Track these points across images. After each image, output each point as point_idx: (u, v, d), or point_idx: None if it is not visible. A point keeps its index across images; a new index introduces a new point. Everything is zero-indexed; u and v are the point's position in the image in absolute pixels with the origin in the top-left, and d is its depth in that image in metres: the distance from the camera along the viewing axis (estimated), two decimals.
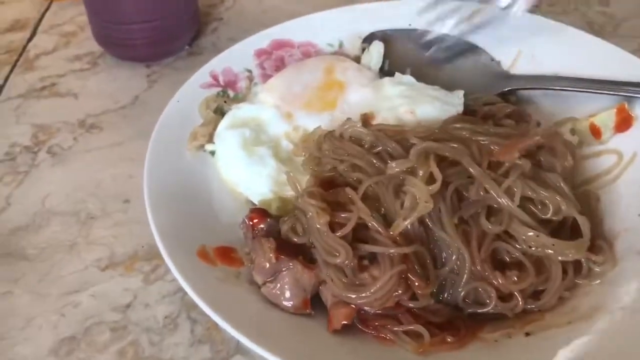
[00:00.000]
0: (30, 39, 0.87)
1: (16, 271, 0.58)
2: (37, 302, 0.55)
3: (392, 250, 0.46)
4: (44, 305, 0.55)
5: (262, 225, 0.51)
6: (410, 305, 0.47)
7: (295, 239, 0.49)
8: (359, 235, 0.48)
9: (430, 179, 0.48)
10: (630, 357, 0.43)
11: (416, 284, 0.46)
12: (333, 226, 0.48)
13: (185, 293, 0.54)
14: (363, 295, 0.45)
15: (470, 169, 0.50)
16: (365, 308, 0.46)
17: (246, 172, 0.58)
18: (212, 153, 0.60)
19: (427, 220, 0.49)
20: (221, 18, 0.89)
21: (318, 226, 0.47)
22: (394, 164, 0.49)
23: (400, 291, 0.45)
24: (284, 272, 0.47)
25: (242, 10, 0.90)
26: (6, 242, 0.60)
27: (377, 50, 0.69)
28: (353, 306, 0.46)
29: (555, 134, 0.57)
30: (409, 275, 0.46)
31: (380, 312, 0.46)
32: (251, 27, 0.83)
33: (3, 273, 0.58)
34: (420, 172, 0.48)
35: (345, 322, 0.46)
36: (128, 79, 0.79)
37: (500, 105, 0.62)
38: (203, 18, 0.88)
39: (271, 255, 0.47)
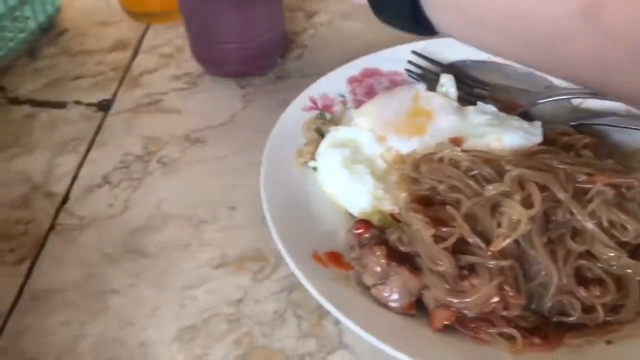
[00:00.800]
0: (133, 59, 0.96)
1: (138, 266, 0.65)
2: (160, 294, 0.63)
3: (492, 263, 0.52)
4: (166, 297, 0.62)
5: (367, 235, 0.58)
6: (503, 313, 0.53)
7: (402, 248, 0.56)
8: (458, 248, 0.55)
9: (525, 203, 0.55)
10: None
11: (510, 294, 0.52)
12: (435, 239, 0.54)
13: (291, 291, 0.62)
14: (465, 300, 0.52)
15: (560, 195, 0.56)
16: (465, 312, 0.52)
17: (347, 187, 0.64)
18: (315, 169, 0.67)
19: (520, 238, 0.55)
20: (305, 45, 0.97)
21: (424, 238, 0.54)
22: (490, 187, 0.56)
23: (497, 299, 0.51)
24: (394, 277, 0.53)
25: (324, 39, 0.98)
26: (128, 240, 0.68)
27: (447, 82, 0.75)
28: (453, 310, 0.52)
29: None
30: (504, 286, 0.52)
31: (476, 315, 0.52)
32: (333, 54, 0.91)
33: (127, 267, 0.65)
34: (517, 196, 0.54)
35: (446, 322, 0.52)
36: (224, 99, 0.87)
37: (577, 136, 0.68)
38: (289, 44, 0.95)
39: (383, 260, 0.54)
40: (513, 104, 0.74)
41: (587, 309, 0.54)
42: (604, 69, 0.39)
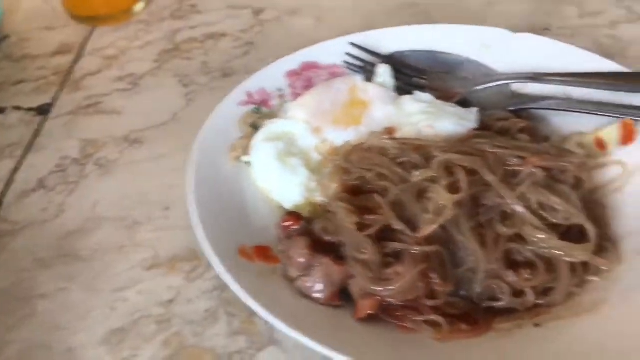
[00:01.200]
0: (75, 62, 0.94)
1: (72, 270, 0.64)
2: (91, 297, 0.61)
3: (416, 249, 0.51)
4: (98, 300, 0.61)
5: (296, 227, 0.57)
6: (429, 302, 0.52)
7: (327, 238, 0.55)
8: (385, 236, 0.54)
9: (453, 188, 0.54)
10: (629, 345, 0.47)
11: (436, 282, 0.51)
12: (361, 227, 0.53)
13: (223, 290, 0.60)
14: (388, 288, 0.51)
15: (487, 178, 0.55)
16: (389, 300, 0.51)
17: (280, 180, 0.63)
18: (248, 164, 0.66)
19: (447, 224, 0.54)
20: (252, 42, 0.96)
21: (348, 225, 0.53)
22: (417, 173, 0.55)
23: (422, 285, 0.50)
24: (317, 267, 0.52)
25: (270, 35, 0.97)
26: (62, 244, 0.66)
27: (384, 73, 0.74)
28: (378, 298, 0.51)
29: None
30: (429, 273, 0.51)
31: (402, 303, 0.51)
32: (279, 50, 0.90)
33: (60, 271, 0.64)
34: (444, 182, 0.53)
35: (370, 312, 0.51)
36: (167, 99, 0.85)
37: (514, 120, 0.68)
38: (235, 42, 0.94)
39: (305, 251, 0.52)
40: (451, 92, 0.73)
41: (517, 293, 0.53)
42: None
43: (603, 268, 0.55)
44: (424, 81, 0.75)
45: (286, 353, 0.55)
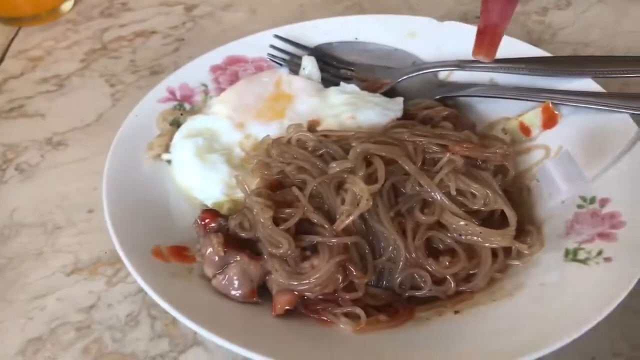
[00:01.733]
0: None
1: None
2: (5, 308, 0.59)
3: (333, 240, 0.50)
4: (12, 310, 0.58)
5: (213, 224, 0.55)
6: (347, 297, 0.51)
7: (243, 234, 0.53)
8: (303, 229, 0.53)
9: (371, 178, 0.53)
10: (546, 327, 0.47)
11: (354, 273, 0.50)
12: (278, 221, 0.52)
13: (146, 293, 0.58)
14: (304, 282, 0.50)
15: (406, 167, 0.55)
16: (307, 294, 0.50)
17: (200, 178, 0.62)
18: (169, 162, 0.64)
19: (366, 214, 0.53)
20: (182, 39, 0.94)
21: (262, 220, 0.51)
22: (334, 164, 0.54)
23: (339, 277, 0.50)
24: (232, 264, 0.51)
25: (202, 31, 0.95)
26: None
27: (309, 64, 0.73)
28: (295, 293, 0.50)
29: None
30: (347, 265, 0.50)
31: (321, 297, 0.50)
32: (211, 46, 0.88)
33: None
34: (361, 172, 0.53)
35: (287, 308, 0.50)
36: (93, 99, 0.83)
37: (438, 108, 0.67)
38: (165, 39, 0.92)
39: (219, 248, 0.51)
40: (379, 82, 0.73)
41: (439, 281, 0.53)
42: None
43: (524, 252, 0.55)
44: (351, 72, 0.75)
45: (209, 353, 0.54)
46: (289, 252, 0.50)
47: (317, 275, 0.49)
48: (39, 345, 0.56)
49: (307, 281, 0.49)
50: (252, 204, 0.53)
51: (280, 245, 0.51)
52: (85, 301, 0.59)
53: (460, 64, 0.72)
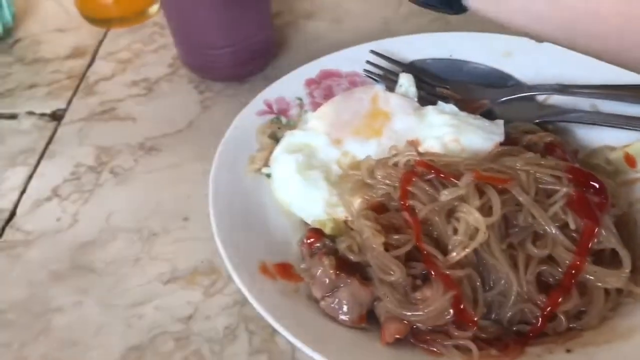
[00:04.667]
0: (89, 66, 0.93)
1: (85, 283, 0.62)
2: (105, 312, 0.60)
3: (448, 272, 0.49)
4: (113, 315, 0.59)
5: (318, 244, 0.55)
6: (456, 334, 0.50)
7: (352, 257, 0.53)
8: (413, 256, 0.52)
9: (484, 208, 0.52)
10: None
11: (467, 311, 0.49)
12: (387, 247, 0.52)
13: (243, 305, 0.59)
14: (417, 313, 0.49)
15: (519, 197, 0.53)
16: (417, 325, 0.49)
17: (301, 194, 0.62)
18: (268, 176, 0.65)
19: (477, 246, 0.52)
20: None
21: (374, 246, 0.51)
22: (446, 192, 0.53)
23: (451, 312, 0.49)
24: (342, 288, 0.51)
25: (287, 40, 0.95)
26: (75, 256, 0.65)
27: (406, 82, 0.72)
28: (405, 323, 0.49)
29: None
30: (460, 299, 0.49)
31: (431, 328, 0.50)
32: (296, 55, 0.88)
33: (73, 284, 0.62)
34: (475, 202, 0.52)
35: (397, 336, 0.49)
36: (183, 105, 0.84)
37: (541, 134, 0.65)
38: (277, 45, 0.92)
39: (331, 271, 0.51)
40: (476, 102, 0.72)
41: (550, 317, 0.51)
42: None
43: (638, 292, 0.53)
44: (447, 91, 0.73)
45: None
46: (400, 279, 0.50)
47: (430, 308, 0.49)
48: (138, 353, 0.56)
49: (420, 313, 0.49)
50: (362, 228, 0.52)
51: (392, 273, 0.50)
52: (183, 311, 0.59)
53: (562, 88, 0.71)
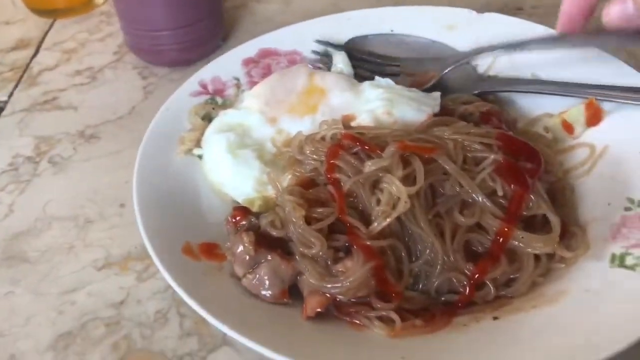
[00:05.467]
0: (33, 57, 0.91)
1: (17, 273, 0.61)
2: (37, 301, 0.59)
3: (368, 243, 0.48)
4: (44, 304, 0.58)
5: (244, 222, 0.54)
6: (379, 305, 0.49)
7: (274, 233, 0.52)
8: (336, 228, 0.51)
9: (407, 179, 0.51)
10: (587, 336, 0.45)
11: (390, 281, 0.48)
12: (310, 220, 0.51)
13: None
14: (337, 285, 0.48)
15: (446, 166, 0.52)
16: (339, 297, 0.49)
17: (231, 174, 0.61)
18: (200, 157, 0.63)
19: (402, 215, 0.51)
20: None
21: (294, 220, 0.50)
22: (370, 163, 0.52)
23: (374, 282, 0.48)
24: (263, 264, 0.50)
25: (236, 22, 0.94)
26: (9, 247, 0.64)
27: (340, 60, 0.72)
28: (327, 295, 0.48)
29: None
30: (383, 269, 0.48)
31: (354, 300, 0.49)
32: (245, 38, 0.86)
33: (5, 275, 0.61)
34: (398, 172, 0.51)
35: (319, 310, 0.48)
36: (125, 92, 0.83)
37: (478, 103, 0.65)
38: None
39: (250, 247, 0.50)
40: (427, 75, 0.70)
41: (478, 286, 0.51)
42: None
43: (569, 255, 0.52)
44: (397, 68, 0.72)
45: (239, 353, 0.53)
46: (320, 253, 0.49)
47: (350, 279, 0.48)
48: (69, 340, 0.55)
49: (340, 284, 0.48)
50: (284, 202, 0.51)
51: (312, 246, 0.49)
52: (116, 297, 0.58)
53: (507, 47, 0.68)
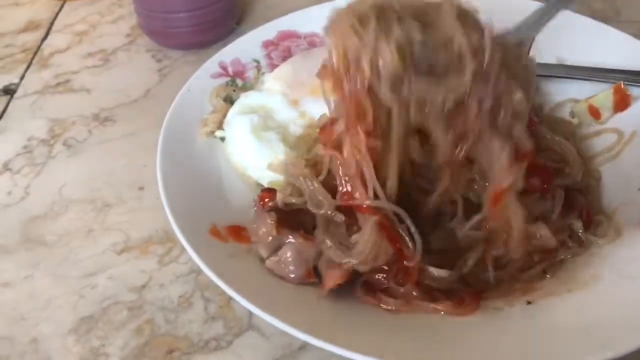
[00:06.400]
0: (44, 39, 0.90)
1: (36, 256, 0.60)
2: (56, 285, 0.58)
3: (367, 203, 0.46)
4: (64, 287, 0.57)
5: (271, 204, 0.53)
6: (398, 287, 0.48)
7: (294, 200, 0.51)
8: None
9: None
10: (622, 320, 0.44)
11: (401, 241, 0.47)
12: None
13: (199, 273, 0.57)
14: (352, 253, 0.47)
15: None
16: (358, 268, 0.48)
17: (255, 156, 0.59)
18: (222, 139, 0.62)
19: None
20: None
21: (303, 178, 0.50)
22: None
23: (389, 247, 0.47)
24: (287, 245, 0.49)
25: (247, 6, 0.92)
26: (26, 230, 0.63)
27: None
28: (345, 268, 0.48)
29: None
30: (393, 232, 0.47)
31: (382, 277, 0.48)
32: (257, 22, 0.85)
33: (24, 258, 0.60)
34: None
35: (339, 282, 0.48)
36: (140, 74, 0.81)
37: None
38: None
39: (272, 229, 0.49)
40: None
41: (501, 266, 0.50)
42: None
43: (598, 242, 0.52)
44: None
45: (265, 337, 0.52)
46: (329, 211, 0.48)
47: (362, 244, 0.47)
48: (91, 324, 0.54)
49: (354, 252, 0.47)
50: (290, 168, 0.52)
51: (322, 205, 0.49)
52: (137, 281, 0.57)
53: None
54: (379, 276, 0.49)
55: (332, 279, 0.47)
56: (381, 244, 0.46)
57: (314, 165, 0.52)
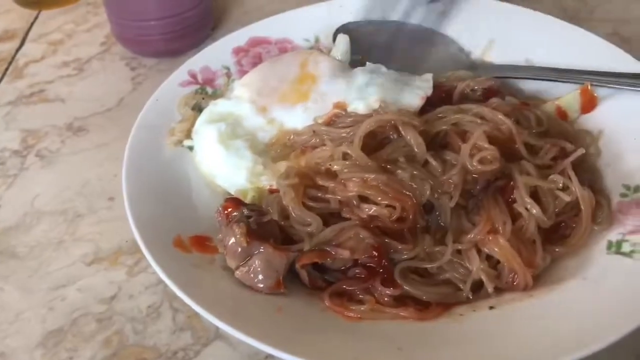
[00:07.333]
0: (19, 48, 0.89)
1: (6, 269, 0.60)
2: (26, 297, 0.58)
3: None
4: (33, 300, 0.57)
5: (235, 213, 0.53)
6: (387, 292, 0.49)
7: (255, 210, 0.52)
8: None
9: None
10: (583, 324, 0.44)
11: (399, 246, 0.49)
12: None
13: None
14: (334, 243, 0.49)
15: None
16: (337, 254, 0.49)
17: (223, 165, 0.59)
18: (191, 148, 0.62)
19: None
20: None
21: (291, 203, 0.50)
22: None
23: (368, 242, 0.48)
24: (256, 255, 0.49)
25: (223, 13, 0.92)
26: None
27: (342, 42, 0.70)
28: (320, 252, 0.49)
29: None
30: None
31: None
32: (234, 28, 0.85)
33: None
34: None
35: (315, 261, 0.49)
36: (114, 83, 0.81)
37: (479, 79, 0.64)
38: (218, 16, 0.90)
39: (242, 239, 0.49)
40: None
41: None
42: None
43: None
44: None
45: (232, 347, 0.52)
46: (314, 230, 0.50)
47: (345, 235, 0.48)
48: (60, 336, 0.54)
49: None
50: (281, 186, 0.52)
51: (309, 225, 0.50)
52: (106, 292, 0.57)
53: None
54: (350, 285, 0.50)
55: (308, 256, 0.48)
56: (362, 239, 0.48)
57: (304, 177, 0.53)
